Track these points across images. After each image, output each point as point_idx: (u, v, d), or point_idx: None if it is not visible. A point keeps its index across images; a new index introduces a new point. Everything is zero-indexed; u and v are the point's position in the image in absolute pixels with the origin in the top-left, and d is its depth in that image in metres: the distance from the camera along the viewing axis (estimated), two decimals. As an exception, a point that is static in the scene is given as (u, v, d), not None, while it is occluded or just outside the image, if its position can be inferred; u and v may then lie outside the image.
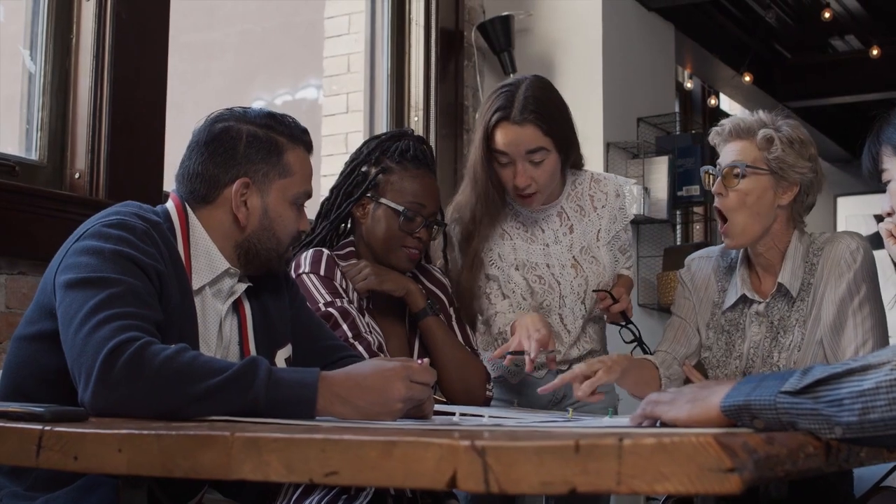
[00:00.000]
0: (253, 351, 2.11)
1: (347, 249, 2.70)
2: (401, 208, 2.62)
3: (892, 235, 2.20)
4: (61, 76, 3.04)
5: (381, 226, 2.64)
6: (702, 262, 2.78)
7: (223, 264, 2.04)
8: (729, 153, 2.60)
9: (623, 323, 2.92)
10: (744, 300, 2.65)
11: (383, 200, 2.63)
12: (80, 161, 3.02)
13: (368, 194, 2.65)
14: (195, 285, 2.01)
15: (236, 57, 4.67)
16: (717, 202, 2.59)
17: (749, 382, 1.38)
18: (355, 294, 2.62)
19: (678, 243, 5.47)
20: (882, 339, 2.52)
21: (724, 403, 1.38)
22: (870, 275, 2.55)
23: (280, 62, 4.84)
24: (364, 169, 2.67)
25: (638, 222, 4.90)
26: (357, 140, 4.61)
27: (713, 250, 2.80)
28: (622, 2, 4.97)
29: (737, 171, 2.55)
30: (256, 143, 2.05)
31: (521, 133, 2.74)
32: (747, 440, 1.11)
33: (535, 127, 2.74)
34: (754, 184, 2.55)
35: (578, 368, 2.42)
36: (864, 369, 1.27)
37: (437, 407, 2.02)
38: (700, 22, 5.79)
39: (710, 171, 2.63)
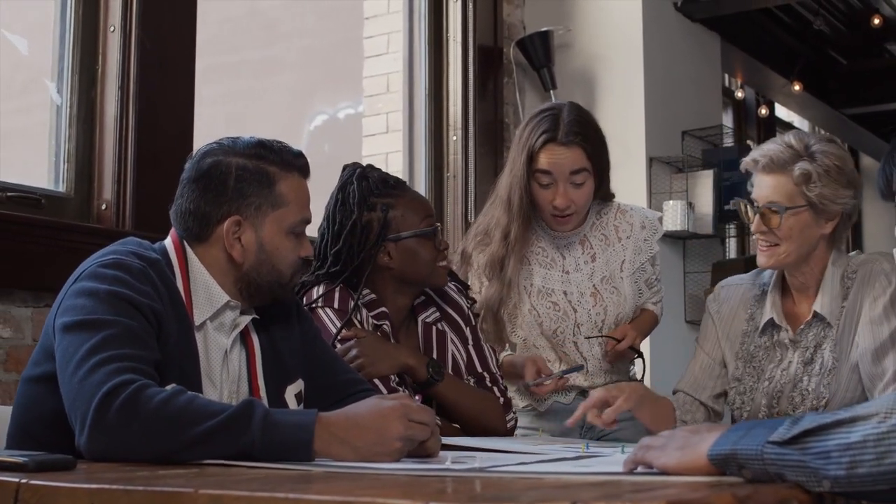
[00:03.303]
0: (262, 386, 2.08)
1: (363, 291, 2.59)
2: (426, 231, 2.58)
3: None
4: (87, 107, 3.06)
5: (418, 256, 2.57)
6: (730, 291, 2.72)
7: (223, 297, 2.02)
8: (764, 188, 2.51)
9: (634, 357, 2.88)
10: (773, 326, 2.59)
11: (405, 234, 2.57)
12: (107, 192, 3.03)
13: (389, 237, 2.56)
14: (197, 321, 1.99)
15: (298, 72, 4.69)
16: (759, 237, 2.54)
17: (738, 430, 1.33)
18: (371, 323, 2.58)
19: (728, 257, 5.36)
20: None
21: (710, 452, 1.32)
22: None
23: (341, 77, 4.86)
24: (365, 219, 2.57)
25: (683, 238, 4.83)
26: (397, 160, 4.60)
27: (744, 277, 2.74)
28: (664, 14, 4.91)
29: (775, 210, 2.48)
30: (247, 177, 2.00)
31: (568, 154, 2.79)
32: None
33: (580, 149, 2.79)
34: (795, 221, 2.48)
35: (597, 394, 2.41)
36: (853, 420, 1.21)
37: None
38: (748, 31, 5.69)
39: (746, 205, 2.56)
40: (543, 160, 2.79)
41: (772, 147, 2.55)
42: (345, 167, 2.69)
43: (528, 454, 1.93)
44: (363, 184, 2.60)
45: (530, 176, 2.82)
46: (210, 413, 1.66)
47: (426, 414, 1.76)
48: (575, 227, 2.92)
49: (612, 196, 3.02)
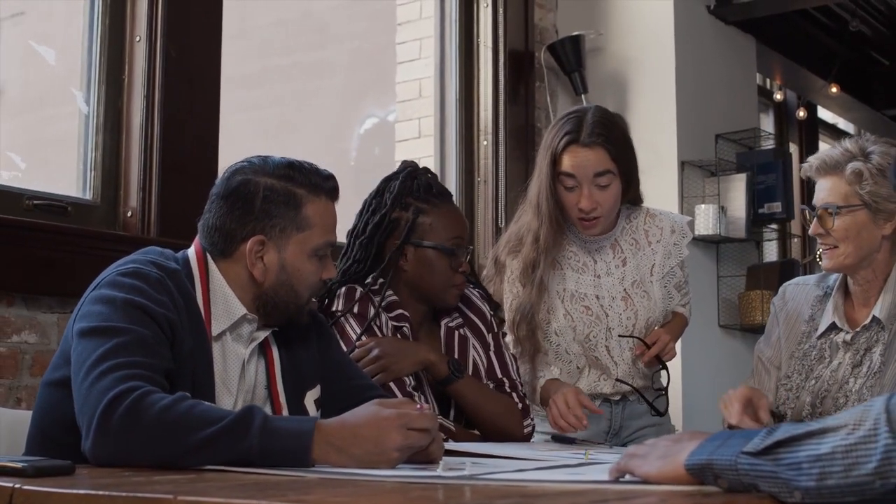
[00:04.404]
0: (281, 394, 2.11)
1: (386, 293, 2.61)
2: (447, 248, 2.57)
3: None
4: (114, 116, 3.12)
5: (433, 269, 2.58)
6: (796, 290, 2.72)
7: (240, 310, 2.04)
8: (821, 191, 2.54)
9: (659, 367, 2.87)
10: (833, 328, 2.59)
11: (427, 243, 2.58)
12: (133, 199, 3.08)
13: (410, 240, 2.59)
14: (215, 331, 2.02)
15: (347, 75, 4.74)
16: (819, 240, 2.55)
17: (715, 440, 1.33)
18: (390, 327, 2.60)
19: (764, 261, 5.32)
20: None
21: (687, 462, 1.33)
22: None
23: (385, 81, 4.91)
24: (394, 216, 2.60)
25: (716, 242, 4.80)
26: (429, 165, 4.58)
27: (810, 279, 2.75)
28: (697, 17, 4.89)
29: (830, 211, 2.50)
30: (273, 197, 2.01)
31: (590, 155, 2.76)
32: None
33: (603, 150, 2.77)
34: (851, 221, 2.49)
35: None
36: (823, 432, 1.20)
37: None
38: (785, 33, 5.63)
39: (807, 211, 2.59)
40: (566, 162, 2.77)
41: (828, 151, 2.57)
42: (403, 163, 2.72)
43: (529, 461, 1.95)
44: (407, 182, 2.62)
45: (555, 179, 2.81)
46: (210, 420, 1.69)
47: (426, 420, 1.77)
48: (603, 231, 2.90)
49: (642, 200, 3.02)
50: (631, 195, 2.93)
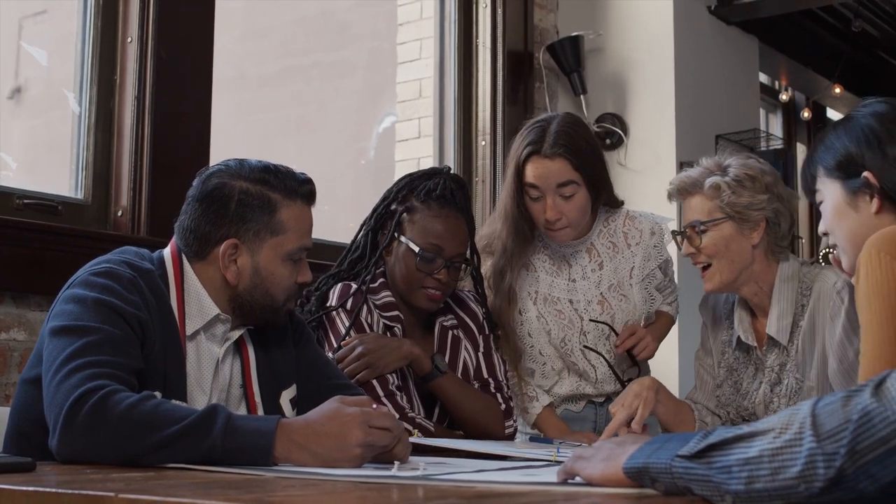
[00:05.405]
0: (257, 393, 2.14)
1: (383, 293, 2.68)
2: (417, 249, 2.59)
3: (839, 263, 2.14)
4: (105, 116, 3.14)
5: (402, 265, 2.62)
6: (716, 299, 2.75)
7: (213, 310, 2.07)
8: (686, 211, 2.58)
9: (629, 365, 2.87)
10: (744, 343, 2.61)
11: (403, 239, 2.62)
12: (124, 199, 3.11)
13: (394, 233, 2.64)
14: (189, 330, 2.04)
15: (366, 74, 4.77)
16: (692, 260, 2.57)
17: (654, 443, 1.34)
18: (381, 325, 2.63)
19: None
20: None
21: (625, 465, 1.34)
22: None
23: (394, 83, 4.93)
24: (393, 207, 2.67)
25: (715, 243, 4.79)
26: (428, 165, 4.63)
27: None
28: (697, 18, 4.88)
29: (696, 228, 2.53)
30: (248, 201, 2.04)
31: (552, 166, 2.77)
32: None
33: (564, 161, 2.77)
34: (718, 235, 2.51)
35: (620, 415, 2.46)
36: (752, 436, 1.21)
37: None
38: (789, 33, 5.61)
39: (677, 234, 2.62)
40: (529, 173, 2.79)
41: (687, 172, 2.60)
42: (433, 168, 2.78)
43: (493, 460, 1.96)
44: (417, 182, 2.67)
45: (521, 189, 2.83)
46: (174, 418, 1.71)
47: (388, 420, 1.79)
48: (573, 239, 2.91)
49: (621, 203, 3.02)
50: (603, 200, 2.93)
